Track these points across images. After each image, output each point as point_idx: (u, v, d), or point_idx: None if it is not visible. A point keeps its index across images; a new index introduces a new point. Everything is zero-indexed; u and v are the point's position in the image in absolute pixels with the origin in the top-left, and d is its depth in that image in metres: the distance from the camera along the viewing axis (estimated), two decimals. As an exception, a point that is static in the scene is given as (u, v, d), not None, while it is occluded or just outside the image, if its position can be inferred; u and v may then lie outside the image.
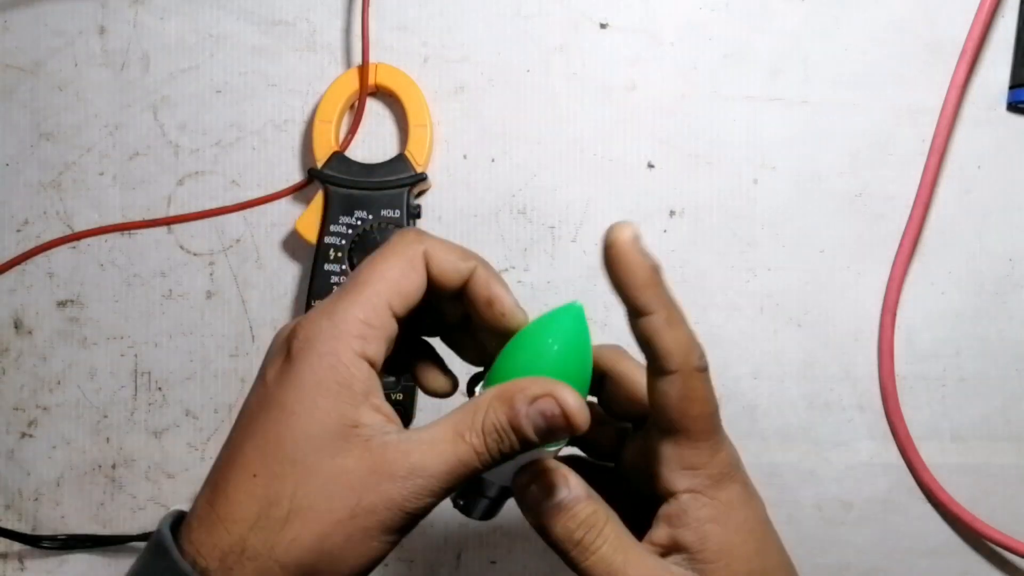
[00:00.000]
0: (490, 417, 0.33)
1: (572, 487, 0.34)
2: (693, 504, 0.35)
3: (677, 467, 0.35)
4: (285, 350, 0.34)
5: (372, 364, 0.33)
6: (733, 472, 0.36)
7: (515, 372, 0.35)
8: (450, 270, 0.35)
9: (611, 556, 0.34)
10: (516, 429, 0.33)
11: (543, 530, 0.34)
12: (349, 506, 0.32)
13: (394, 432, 0.33)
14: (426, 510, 0.33)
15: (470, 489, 0.38)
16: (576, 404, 0.32)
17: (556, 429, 0.32)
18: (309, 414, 0.32)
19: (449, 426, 0.33)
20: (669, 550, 0.35)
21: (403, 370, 0.39)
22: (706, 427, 0.35)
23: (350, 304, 0.34)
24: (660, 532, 0.35)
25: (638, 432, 0.38)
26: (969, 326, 0.54)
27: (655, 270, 0.33)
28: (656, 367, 0.34)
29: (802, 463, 0.55)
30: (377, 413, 0.33)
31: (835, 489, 0.55)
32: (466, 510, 0.38)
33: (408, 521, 0.33)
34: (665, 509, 0.35)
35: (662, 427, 0.35)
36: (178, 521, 0.34)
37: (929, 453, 0.54)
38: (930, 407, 0.54)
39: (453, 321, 0.38)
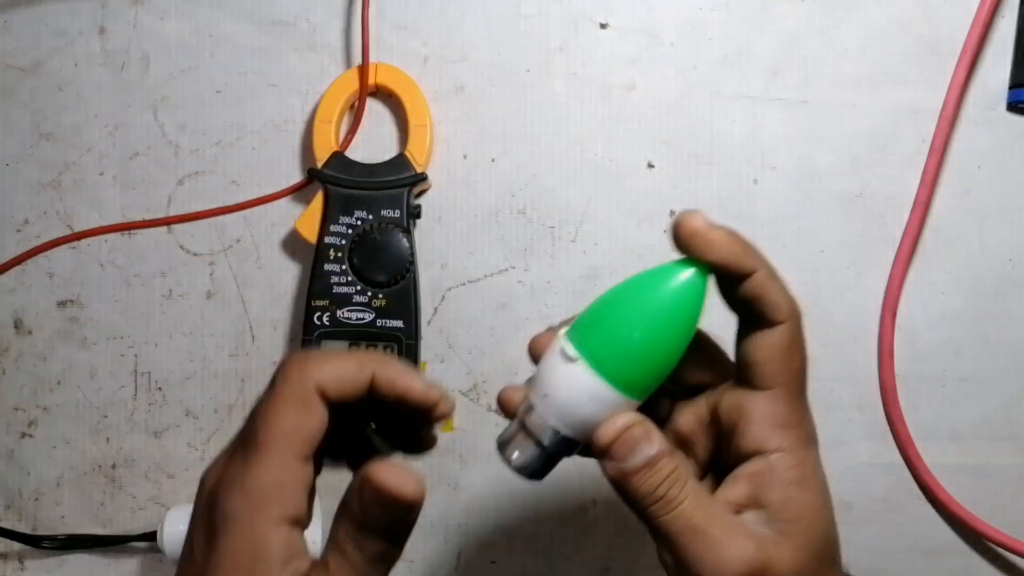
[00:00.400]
0: (340, 532, 0.34)
1: (656, 442, 0.34)
2: (781, 464, 0.35)
3: (770, 425, 0.35)
4: (208, 523, 0.34)
5: (296, 521, 0.34)
6: (815, 436, 0.36)
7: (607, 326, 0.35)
8: (349, 390, 0.35)
9: (692, 511, 0.34)
10: (362, 529, 0.33)
11: (624, 483, 0.34)
12: None
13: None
14: None
15: (519, 434, 0.36)
16: (393, 477, 0.33)
17: (390, 511, 0.33)
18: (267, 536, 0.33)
19: (321, 566, 0.34)
20: (745, 508, 0.35)
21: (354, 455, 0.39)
22: (804, 382, 0.36)
23: (256, 469, 0.33)
24: (737, 490, 0.35)
25: (701, 396, 0.38)
26: (969, 326, 0.54)
27: (738, 235, 0.35)
28: (766, 320, 0.36)
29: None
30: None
31: (835, 489, 0.54)
32: (519, 465, 0.36)
33: None
34: (748, 468, 0.35)
35: (761, 383, 0.35)
36: None
37: (929, 453, 0.54)
38: (930, 407, 0.54)
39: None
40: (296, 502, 0.33)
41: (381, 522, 0.33)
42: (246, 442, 0.34)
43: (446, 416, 0.36)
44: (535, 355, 0.36)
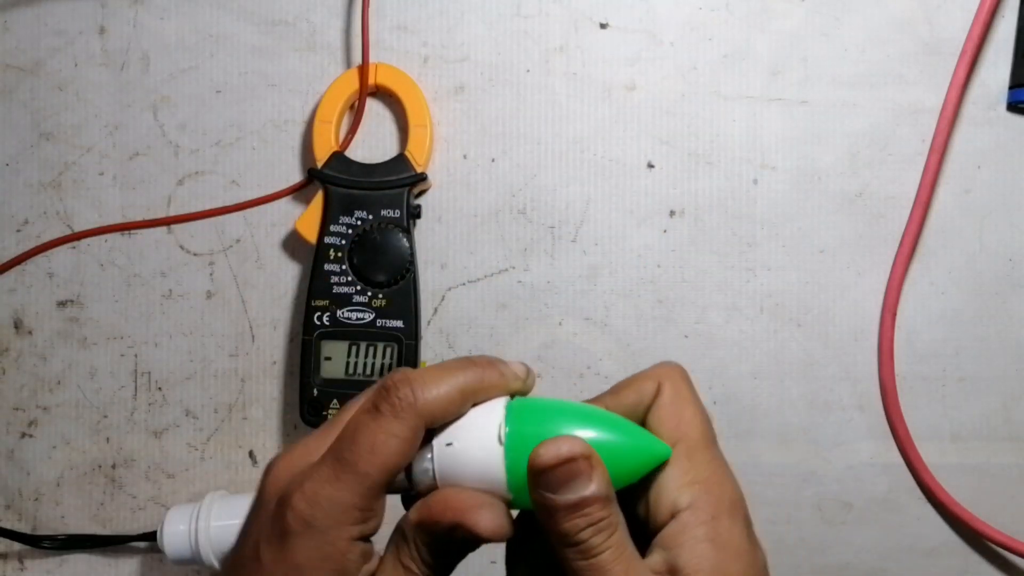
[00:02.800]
0: (413, 549, 0.33)
1: (595, 482, 0.32)
2: (691, 521, 0.33)
3: (676, 485, 0.34)
4: (280, 526, 0.33)
5: (368, 538, 0.33)
6: (732, 491, 0.34)
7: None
8: (451, 418, 0.33)
9: (611, 564, 0.32)
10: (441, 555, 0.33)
11: (548, 515, 0.32)
12: None
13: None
14: None
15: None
16: (492, 527, 0.32)
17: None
18: None
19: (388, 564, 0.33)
20: (663, 575, 0.33)
21: None
22: (705, 434, 0.35)
23: (345, 488, 0.32)
24: (655, 557, 0.33)
25: None
26: (969, 326, 0.54)
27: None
28: (647, 396, 0.35)
29: (802, 463, 0.55)
30: None
31: (835, 489, 0.55)
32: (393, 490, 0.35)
33: None
34: (663, 533, 0.34)
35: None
36: None
37: (929, 453, 0.54)
38: (930, 407, 0.54)
39: None
40: (378, 521, 0.33)
41: (452, 554, 0.33)
42: (341, 460, 0.32)
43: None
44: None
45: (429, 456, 0.33)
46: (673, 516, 0.33)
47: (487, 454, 0.33)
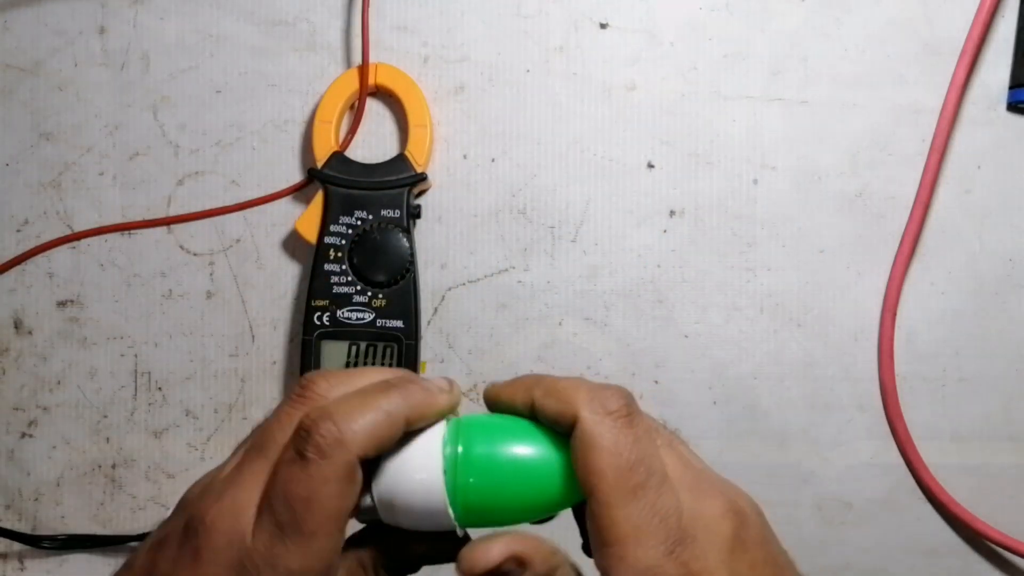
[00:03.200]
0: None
1: (532, 565, 0.30)
2: None
3: (599, 543, 0.31)
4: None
5: None
6: (664, 555, 0.30)
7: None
8: (387, 444, 0.31)
9: None
10: None
11: None
12: None
13: None
14: None
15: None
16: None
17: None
18: None
19: None
20: None
21: None
22: (626, 481, 0.31)
23: (295, 555, 0.30)
24: None
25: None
26: (969, 326, 0.54)
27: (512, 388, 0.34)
28: (566, 427, 0.32)
29: (802, 463, 0.55)
30: None
31: (835, 489, 0.55)
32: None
33: None
34: None
35: (585, 496, 0.32)
36: None
37: (929, 453, 0.54)
38: (930, 407, 0.54)
39: None
40: (336, 568, 0.31)
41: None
42: (282, 525, 0.29)
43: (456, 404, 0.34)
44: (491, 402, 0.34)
45: (368, 495, 0.32)
46: (605, 571, 0.31)
47: (430, 485, 0.31)
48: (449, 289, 0.55)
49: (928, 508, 0.54)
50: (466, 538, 0.33)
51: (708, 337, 0.55)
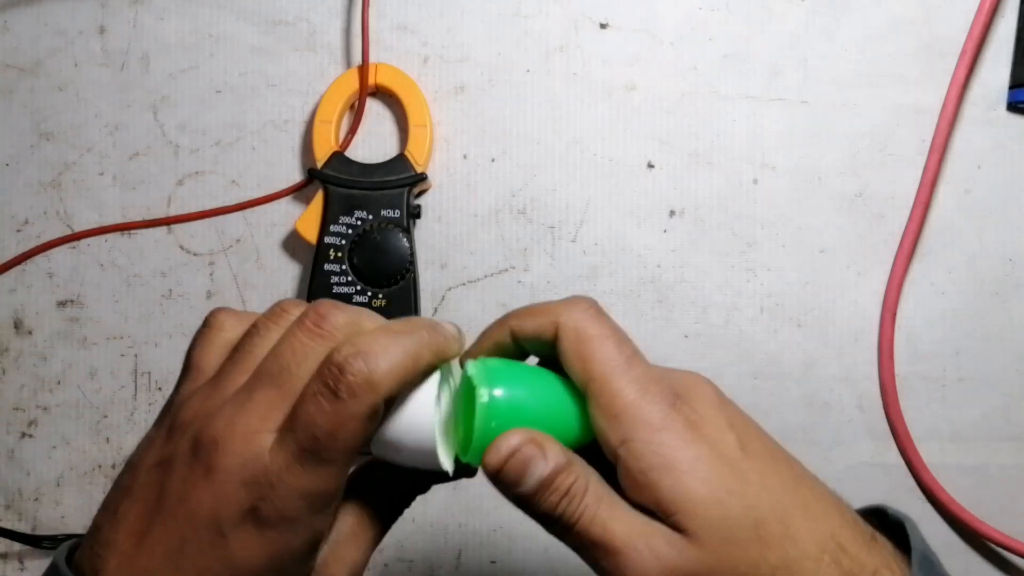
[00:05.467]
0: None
1: (550, 458, 0.32)
2: (633, 455, 0.32)
3: (607, 421, 0.32)
4: (252, 516, 0.31)
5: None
6: (654, 393, 0.33)
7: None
8: (407, 385, 0.32)
9: (592, 523, 0.32)
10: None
11: (522, 507, 0.32)
12: None
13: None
14: None
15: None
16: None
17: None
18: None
19: None
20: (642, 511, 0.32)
21: None
22: (624, 362, 0.33)
23: (314, 478, 0.31)
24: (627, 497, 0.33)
25: None
26: (969, 326, 0.54)
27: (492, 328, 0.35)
28: (549, 340, 0.34)
29: (802, 463, 0.54)
30: None
31: (835, 489, 0.55)
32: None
33: None
34: (620, 476, 0.32)
35: (583, 386, 0.33)
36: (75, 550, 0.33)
37: (929, 453, 0.54)
38: (930, 407, 0.54)
39: None
40: (338, 501, 0.33)
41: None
42: (305, 451, 0.30)
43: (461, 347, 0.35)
44: (484, 344, 0.35)
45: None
46: (616, 459, 0.32)
47: (424, 431, 0.33)
48: (449, 289, 0.55)
49: (928, 508, 0.54)
50: (463, 473, 0.34)
51: (708, 337, 0.55)
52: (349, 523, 0.34)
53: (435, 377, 0.33)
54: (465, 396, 0.34)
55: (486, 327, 0.36)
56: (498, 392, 0.33)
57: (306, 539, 0.31)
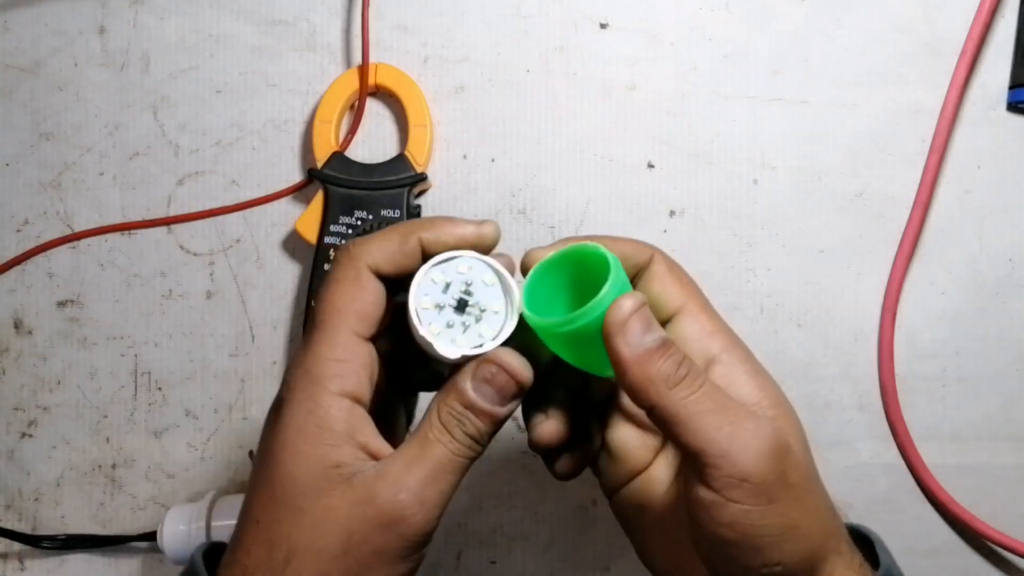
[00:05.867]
0: (444, 409, 0.35)
1: (660, 328, 0.34)
2: (735, 359, 0.36)
3: (701, 335, 0.36)
4: (274, 402, 0.35)
5: (356, 398, 0.34)
6: (737, 335, 0.37)
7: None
8: (400, 259, 0.35)
9: (714, 391, 0.33)
10: (470, 407, 0.34)
11: (644, 365, 0.33)
12: (341, 541, 0.33)
13: (373, 465, 0.34)
14: (422, 534, 0.34)
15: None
16: (514, 359, 0.34)
17: (504, 389, 0.35)
18: (293, 460, 0.34)
19: (416, 437, 0.35)
20: None
21: (427, 386, 0.40)
22: (703, 297, 0.37)
23: (316, 345, 0.34)
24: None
25: None
26: (969, 326, 0.54)
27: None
28: (638, 267, 0.37)
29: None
30: (359, 450, 0.34)
31: (835, 489, 0.54)
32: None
33: (407, 546, 0.33)
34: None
35: (669, 311, 0.37)
36: (213, 552, 0.36)
37: (929, 453, 0.54)
38: (930, 407, 0.54)
39: None
40: (354, 379, 0.34)
41: (491, 403, 0.34)
42: (313, 324, 0.35)
43: (498, 238, 0.37)
44: (527, 268, 0.37)
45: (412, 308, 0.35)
46: (710, 362, 0.36)
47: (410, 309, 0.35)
48: (449, 289, 0.55)
49: (928, 508, 0.54)
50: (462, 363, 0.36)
51: (708, 337, 0.54)
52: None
53: (429, 264, 0.35)
54: (570, 264, 0.36)
55: (564, 237, 0.38)
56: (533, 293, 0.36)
57: (309, 409, 0.34)
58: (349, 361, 0.34)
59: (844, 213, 0.54)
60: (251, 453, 0.55)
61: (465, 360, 0.35)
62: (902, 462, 0.54)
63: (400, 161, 0.53)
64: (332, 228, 0.52)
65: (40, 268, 0.56)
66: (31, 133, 0.55)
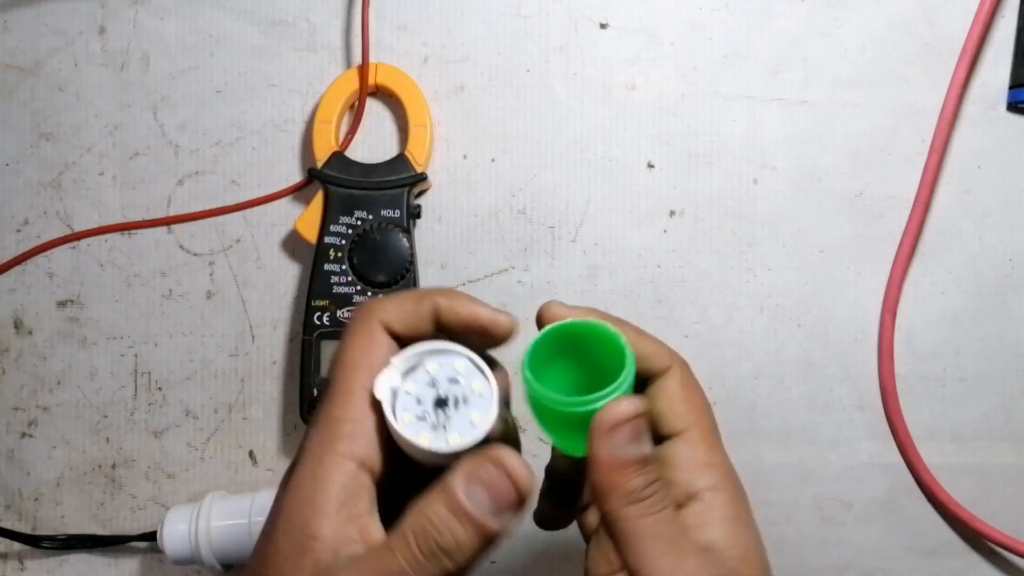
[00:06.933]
0: (421, 513, 0.30)
1: (649, 445, 0.33)
2: (717, 501, 0.34)
3: (695, 466, 0.34)
4: (292, 462, 0.33)
5: (364, 463, 0.32)
6: (736, 474, 0.35)
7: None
8: (413, 321, 0.34)
9: (670, 523, 0.32)
10: (457, 512, 0.30)
11: (615, 472, 0.32)
12: None
13: (346, 551, 0.31)
14: None
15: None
16: (518, 462, 0.31)
17: (503, 497, 0.30)
18: (287, 521, 0.31)
19: (383, 539, 0.31)
20: None
21: None
22: (713, 422, 0.35)
23: (330, 405, 0.33)
24: None
25: None
26: (969, 326, 0.54)
27: (595, 310, 0.36)
28: (653, 372, 0.35)
29: (802, 463, 0.55)
30: (348, 524, 0.31)
31: (835, 489, 0.55)
32: None
33: None
34: (685, 514, 0.34)
35: (672, 430, 0.35)
36: None
37: (929, 453, 0.54)
38: (930, 407, 0.54)
39: None
40: (364, 441, 0.32)
41: (483, 512, 0.30)
42: (327, 382, 0.34)
43: (512, 335, 0.35)
44: (543, 322, 0.36)
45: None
46: (691, 497, 0.34)
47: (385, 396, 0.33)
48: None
49: (928, 508, 0.54)
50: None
51: (708, 337, 0.55)
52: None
53: (418, 348, 0.33)
54: (582, 336, 0.35)
55: (588, 307, 0.37)
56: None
57: (313, 471, 0.33)
58: (361, 422, 0.32)
59: (844, 213, 0.54)
60: (251, 453, 0.55)
61: (450, 459, 0.32)
62: (902, 462, 0.54)
63: (400, 161, 0.53)
64: (332, 228, 0.52)
65: (40, 268, 0.56)
66: (31, 133, 0.56)
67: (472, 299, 0.35)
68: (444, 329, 0.34)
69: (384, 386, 0.33)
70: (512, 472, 0.31)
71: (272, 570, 0.31)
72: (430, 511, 0.30)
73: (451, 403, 0.33)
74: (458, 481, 0.31)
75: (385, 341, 0.34)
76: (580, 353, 0.35)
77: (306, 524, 0.31)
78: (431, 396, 0.33)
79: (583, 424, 0.33)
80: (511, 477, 0.31)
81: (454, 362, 0.34)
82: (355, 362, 0.33)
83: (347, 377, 0.33)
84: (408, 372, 0.34)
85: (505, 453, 0.31)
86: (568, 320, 0.35)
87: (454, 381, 0.33)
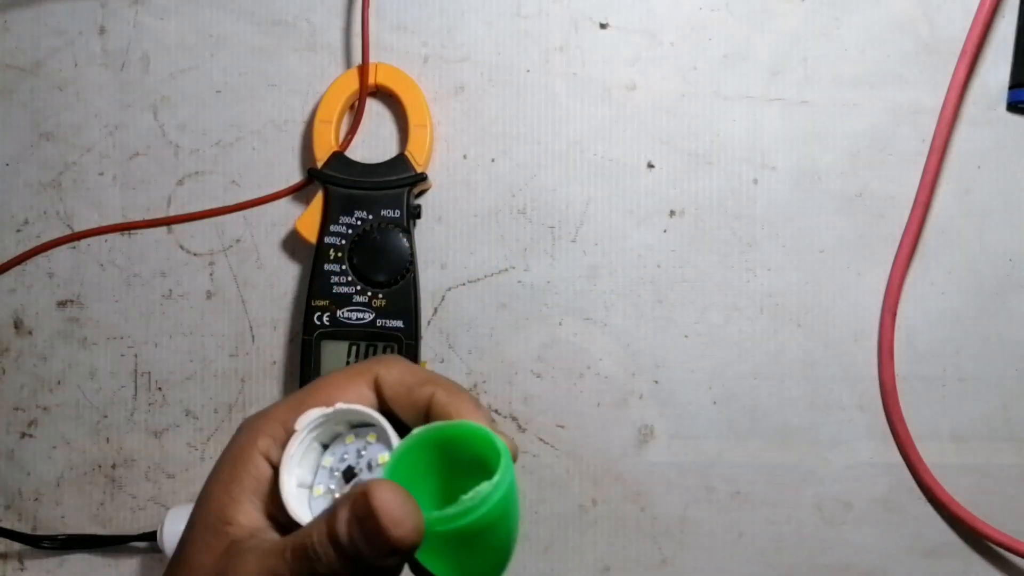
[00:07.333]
0: (306, 534, 0.30)
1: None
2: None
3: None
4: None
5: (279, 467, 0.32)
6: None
7: None
8: (403, 395, 0.33)
9: None
10: (334, 542, 0.29)
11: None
12: None
13: (259, 538, 0.31)
14: None
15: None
16: (398, 503, 0.29)
17: (374, 540, 0.29)
18: (205, 501, 0.33)
19: (286, 539, 0.31)
20: None
21: None
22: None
23: (284, 404, 0.33)
24: None
25: None
26: (969, 326, 0.54)
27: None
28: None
29: (802, 463, 0.54)
30: (260, 514, 0.32)
31: (835, 489, 0.55)
32: None
33: None
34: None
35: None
36: None
37: (929, 453, 0.54)
38: (930, 407, 0.54)
39: None
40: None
41: (360, 545, 0.29)
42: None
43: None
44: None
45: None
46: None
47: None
48: (449, 289, 0.55)
49: (928, 508, 0.54)
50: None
51: (708, 337, 0.55)
52: None
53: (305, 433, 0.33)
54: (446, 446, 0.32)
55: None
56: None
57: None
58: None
59: (844, 213, 0.54)
60: None
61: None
62: (902, 462, 0.54)
63: (400, 161, 0.53)
64: (332, 228, 0.52)
65: (40, 268, 0.56)
66: (31, 133, 0.55)
67: (477, 410, 0.32)
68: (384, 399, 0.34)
69: (289, 483, 0.32)
70: (386, 513, 0.29)
71: (189, 547, 0.32)
72: (313, 535, 0.30)
73: (360, 471, 0.33)
74: (344, 509, 0.29)
75: (367, 394, 0.33)
76: (439, 470, 0.32)
77: (224, 508, 0.32)
78: (341, 468, 0.33)
79: (480, 537, 0.31)
80: (383, 520, 0.29)
81: (367, 434, 0.33)
82: (330, 387, 0.33)
83: (315, 396, 0.33)
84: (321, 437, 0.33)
85: (386, 489, 0.29)
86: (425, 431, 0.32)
87: (361, 452, 0.33)
